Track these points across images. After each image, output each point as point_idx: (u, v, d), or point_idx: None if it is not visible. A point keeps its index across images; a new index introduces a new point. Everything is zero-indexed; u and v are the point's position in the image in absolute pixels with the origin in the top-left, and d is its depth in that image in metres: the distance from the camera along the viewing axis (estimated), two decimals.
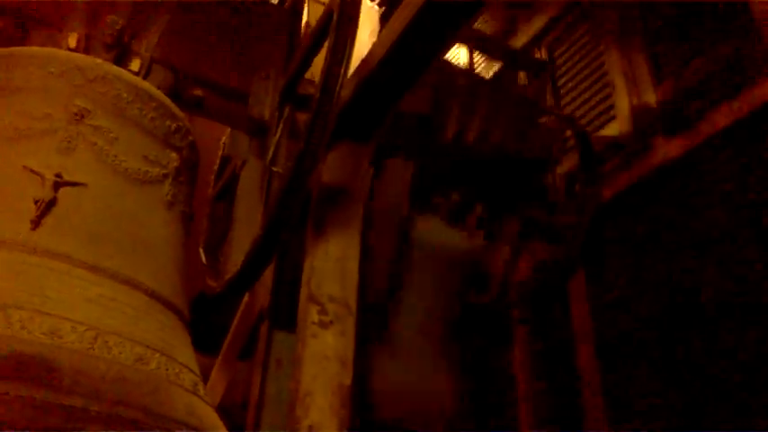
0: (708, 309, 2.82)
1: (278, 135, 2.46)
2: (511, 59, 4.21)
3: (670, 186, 2.94)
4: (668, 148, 2.89)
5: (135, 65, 2.37)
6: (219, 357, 3.29)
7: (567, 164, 3.37)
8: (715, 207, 2.86)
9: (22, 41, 2.30)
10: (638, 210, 3.05)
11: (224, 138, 3.62)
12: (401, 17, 2.22)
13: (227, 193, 3.34)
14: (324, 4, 3.74)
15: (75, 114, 1.89)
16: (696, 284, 2.87)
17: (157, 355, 1.69)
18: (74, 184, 1.79)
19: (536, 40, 4.10)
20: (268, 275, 3.04)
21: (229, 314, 3.59)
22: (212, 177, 3.49)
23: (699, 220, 2.91)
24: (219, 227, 3.36)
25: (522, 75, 4.12)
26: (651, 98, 3.12)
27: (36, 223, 1.68)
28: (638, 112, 3.11)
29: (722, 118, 2.67)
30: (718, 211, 2.85)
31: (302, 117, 2.75)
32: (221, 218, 3.36)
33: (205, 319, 2.81)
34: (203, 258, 3.12)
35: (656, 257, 3.01)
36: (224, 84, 2.72)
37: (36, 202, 1.71)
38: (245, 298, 3.30)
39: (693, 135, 2.80)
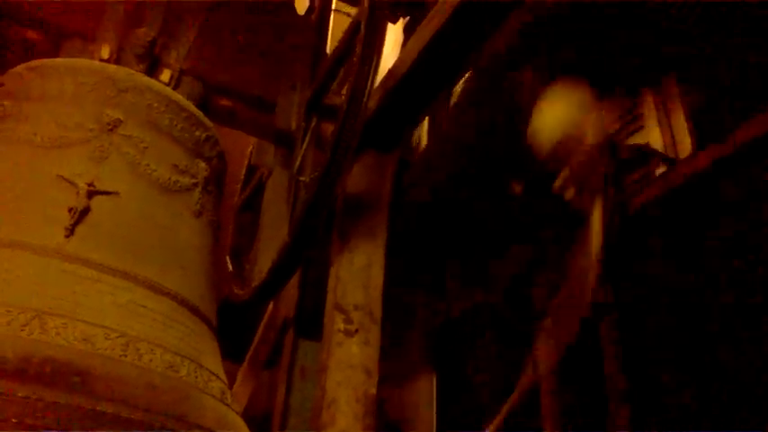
0: (737, 330, 2.78)
1: (305, 145, 2.48)
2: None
3: (697, 198, 2.91)
4: (696, 160, 2.87)
5: (165, 76, 2.41)
6: (244, 365, 3.32)
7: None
8: (742, 221, 2.83)
9: (55, 53, 2.36)
10: (662, 222, 3.02)
11: (250, 147, 3.66)
12: (428, 28, 2.24)
13: (252, 203, 3.37)
14: (348, 15, 3.78)
15: (108, 124, 1.93)
16: (719, 306, 2.83)
17: (187, 362, 1.71)
18: (106, 193, 1.82)
19: None
20: (292, 284, 3.06)
21: (253, 322, 3.62)
22: (238, 187, 3.52)
23: (729, 231, 2.87)
24: (245, 235, 3.39)
25: None
26: (679, 108, 3.10)
27: (70, 231, 1.71)
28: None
29: (753, 129, 2.64)
30: (744, 225, 2.82)
31: (328, 127, 2.78)
32: (247, 226, 3.39)
33: (230, 327, 2.83)
34: (229, 266, 3.15)
35: (685, 269, 2.97)
36: (251, 94, 2.76)
37: (70, 211, 1.74)
38: (270, 306, 3.33)
39: (721, 147, 2.77)
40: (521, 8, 2.20)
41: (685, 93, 3.12)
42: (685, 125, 3.06)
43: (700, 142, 2.95)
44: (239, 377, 3.35)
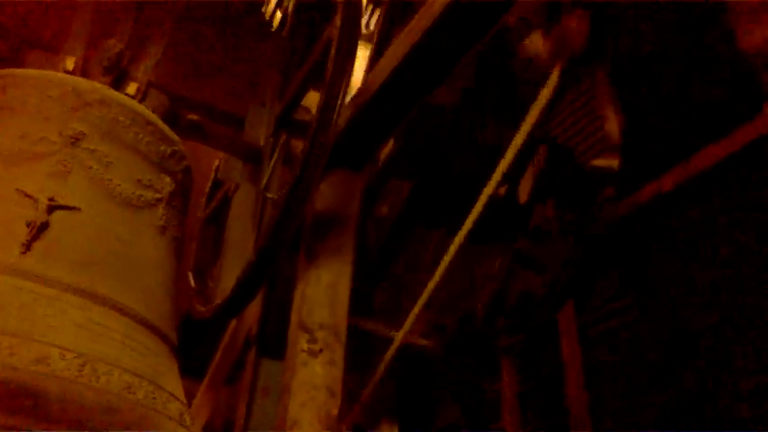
0: (701, 341, 2.83)
1: (273, 162, 2.46)
2: None
3: (662, 219, 2.97)
4: (661, 182, 2.92)
5: (132, 89, 2.37)
6: (204, 382, 3.26)
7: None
8: (706, 240, 2.88)
9: (19, 64, 2.30)
10: (630, 242, 3.07)
11: (216, 162, 3.62)
12: (402, 46, 2.25)
13: (217, 217, 3.33)
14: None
15: (71, 138, 1.89)
16: (688, 318, 2.88)
17: (145, 383, 1.67)
18: (67, 208, 1.78)
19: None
20: (255, 302, 3.02)
21: (214, 338, 3.56)
22: (203, 201, 3.48)
23: (690, 253, 2.93)
24: (208, 250, 3.34)
25: None
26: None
27: (27, 247, 1.67)
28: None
29: (717, 152, 2.71)
30: (708, 244, 2.88)
31: (297, 144, 2.77)
32: (211, 241, 3.34)
33: (190, 343, 2.78)
34: (192, 282, 3.10)
35: (647, 290, 3.02)
36: (219, 109, 2.74)
37: (28, 225, 1.70)
38: (232, 323, 3.28)
39: (686, 168, 2.83)
40: (495, 29, 2.21)
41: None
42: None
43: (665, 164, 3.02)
44: (199, 394, 3.29)
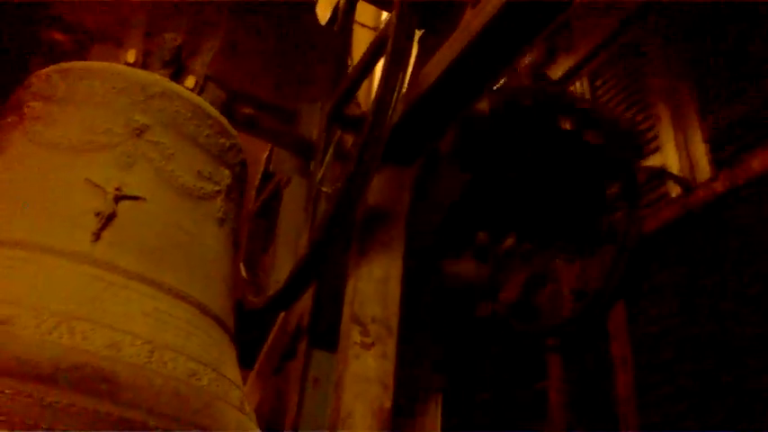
0: (749, 345, 2.78)
1: (328, 156, 2.48)
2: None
3: (713, 221, 2.92)
4: (714, 184, 2.87)
5: (190, 82, 2.41)
6: (254, 371, 3.30)
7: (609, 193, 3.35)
8: (757, 244, 2.83)
9: (83, 56, 2.36)
10: (680, 244, 3.03)
11: (265, 154, 3.67)
12: (457, 41, 2.25)
13: (267, 210, 3.38)
14: (370, 28, 3.80)
15: (136, 129, 1.93)
16: (738, 320, 2.83)
17: (209, 370, 1.70)
18: (133, 198, 1.82)
19: (576, 70, 4.10)
20: (306, 293, 3.06)
21: (262, 329, 3.61)
22: (252, 193, 3.53)
23: (741, 256, 2.87)
24: (258, 242, 3.39)
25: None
26: (696, 132, 3.11)
27: (97, 236, 1.71)
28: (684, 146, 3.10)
29: None
30: (760, 248, 2.82)
31: (348, 138, 2.79)
32: (261, 233, 3.39)
33: (240, 333, 2.83)
34: (243, 273, 3.15)
35: (696, 292, 2.98)
36: (273, 103, 2.76)
37: (97, 215, 1.74)
38: (281, 314, 3.32)
39: (739, 171, 2.78)
40: (550, 26, 2.19)
41: (704, 116, 3.13)
42: (703, 147, 3.07)
43: (717, 165, 2.97)
44: (248, 383, 3.34)
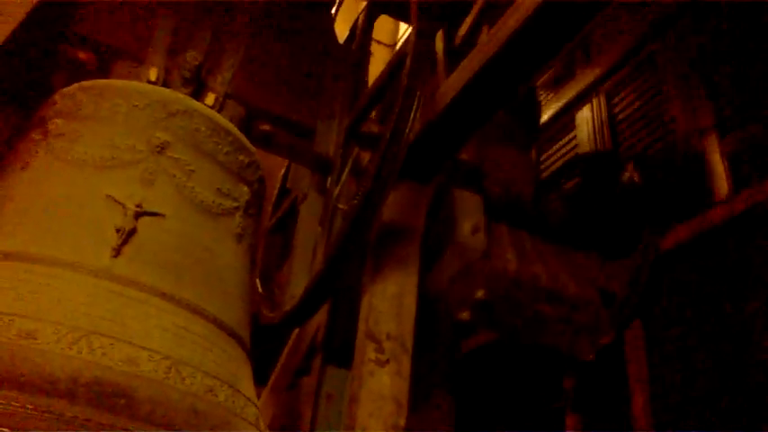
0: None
1: (345, 173, 2.50)
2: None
3: (733, 241, 2.89)
4: (733, 202, 2.85)
5: (210, 99, 2.45)
6: (267, 387, 3.31)
7: None
8: None
9: (105, 74, 2.41)
10: (698, 262, 3.00)
11: (282, 170, 3.70)
12: (474, 60, 2.26)
13: (283, 225, 3.40)
14: (387, 45, 3.82)
15: (157, 147, 1.96)
16: (757, 340, 2.80)
17: (226, 386, 1.72)
18: (153, 215, 1.85)
19: (594, 86, 4.10)
20: (321, 309, 3.07)
21: (275, 344, 3.62)
22: (269, 209, 3.55)
23: (761, 275, 2.84)
24: (274, 258, 3.41)
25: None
26: (716, 149, 3.09)
27: (117, 251, 1.73)
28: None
29: None
30: None
31: (365, 155, 2.80)
32: (277, 249, 3.41)
33: (254, 348, 2.84)
34: (259, 288, 3.16)
35: (714, 311, 2.95)
36: (290, 119, 2.79)
37: (117, 231, 1.77)
38: (296, 330, 3.33)
39: (759, 190, 2.76)
40: (566, 47, 2.20)
41: (722, 133, 3.11)
42: (722, 165, 3.05)
43: (737, 183, 2.94)
44: (262, 398, 3.34)
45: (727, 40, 3.43)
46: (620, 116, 3.83)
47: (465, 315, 2.92)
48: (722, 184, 3.02)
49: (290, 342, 3.33)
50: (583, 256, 3.26)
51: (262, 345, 3.21)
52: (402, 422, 2.22)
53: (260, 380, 3.51)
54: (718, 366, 2.88)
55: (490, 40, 2.21)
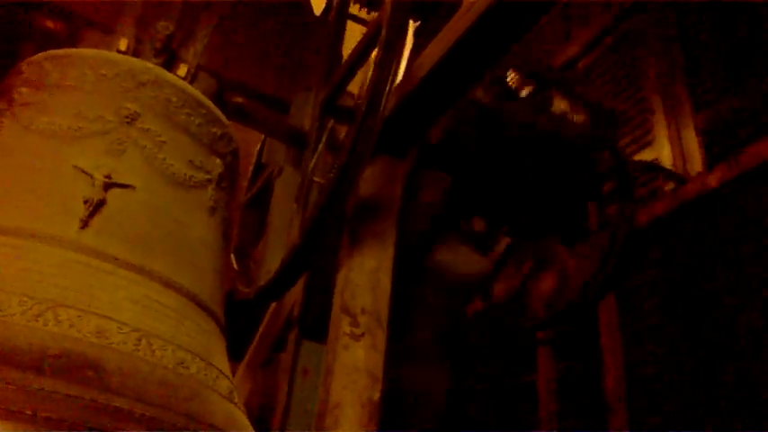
0: (741, 340, 2.79)
1: (320, 146, 2.47)
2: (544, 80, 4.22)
3: (706, 215, 2.92)
4: (706, 178, 2.87)
5: (182, 70, 2.40)
6: (243, 363, 3.30)
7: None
8: (750, 239, 2.83)
9: (73, 44, 2.35)
10: (672, 238, 3.03)
11: (258, 145, 3.65)
12: (452, 31, 2.24)
13: (259, 200, 3.36)
14: (362, 20, 3.78)
15: (126, 117, 1.92)
16: (729, 315, 2.84)
17: (197, 359, 1.70)
18: (122, 186, 1.81)
19: (571, 64, 4.10)
20: (297, 284, 3.05)
21: (250, 320, 3.60)
22: (245, 184, 3.51)
23: (734, 251, 2.88)
24: (250, 233, 3.38)
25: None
26: (690, 125, 3.11)
27: (85, 223, 1.70)
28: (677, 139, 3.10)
29: (763, 150, 2.65)
30: (753, 243, 2.83)
31: (341, 129, 2.77)
32: (252, 224, 3.38)
33: (230, 324, 2.83)
34: (234, 263, 3.14)
35: (688, 286, 2.98)
36: (264, 92, 2.75)
37: (86, 202, 1.73)
38: (272, 305, 3.32)
39: (732, 166, 2.79)
40: (552, 10, 2.17)
41: (697, 110, 3.13)
42: (696, 141, 3.07)
43: (710, 160, 2.97)
44: (238, 374, 3.34)
45: (705, 18, 3.44)
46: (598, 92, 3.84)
47: None
48: (696, 160, 3.04)
49: (266, 318, 3.32)
50: None
51: (238, 321, 3.20)
52: (377, 396, 2.22)
53: (236, 356, 3.51)
54: (691, 340, 2.93)
55: (468, 11, 2.18)
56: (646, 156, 3.28)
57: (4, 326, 1.38)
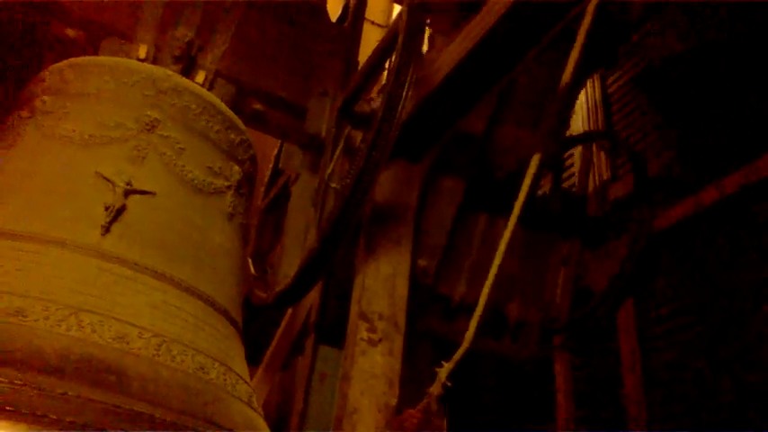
0: (759, 344, 2.76)
1: (338, 152, 2.48)
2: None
3: (726, 220, 2.90)
4: (726, 181, 2.85)
5: (200, 77, 2.42)
6: (261, 367, 3.32)
7: (621, 190, 3.35)
8: None
9: (93, 52, 2.37)
10: (691, 242, 3.01)
11: (275, 151, 3.67)
12: (468, 38, 2.24)
13: (276, 206, 3.38)
14: (379, 25, 3.79)
15: (147, 124, 1.94)
16: (747, 319, 2.82)
17: (217, 364, 1.71)
18: (143, 193, 1.83)
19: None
20: (314, 289, 3.06)
21: (266, 325, 3.62)
22: (262, 189, 3.53)
23: (752, 256, 2.85)
24: (267, 238, 3.40)
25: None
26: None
27: (106, 229, 1.72)
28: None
29: None
30: None
31: (356, 134, 2.78)
32: (270, 229, 3.40)
33: (247, 329, 2.85)
34: (252, 269, 3.15)
35: (706, 291, 2.96)
36: (282, 98, 2.77)
37: (107, 209, 1.75)
38: (289, 311, 3.33)
39: (750, 171, 2.76)
40: (567, 21, 2.17)
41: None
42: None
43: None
44: (256, 378, 3.35)
45: (723, 26, 3.42)
46: (615, 96, 3.82)
47: None
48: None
49: (284, 323, 3.34)
50: None
51: (255, 325, 3.22)
52: (393, 401, 2.23)
53: (254, 361, 3.53)
54: (709, 344, 2.90)
55: (483, 18, 2.19)
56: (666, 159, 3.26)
57: (28, 331, 1.40)
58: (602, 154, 3.63)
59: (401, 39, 2.14)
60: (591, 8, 1.95)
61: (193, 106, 2.06)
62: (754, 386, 2.73)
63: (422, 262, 2.88)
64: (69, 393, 1.32)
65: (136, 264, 1.71)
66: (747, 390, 2.76)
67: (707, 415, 2.85)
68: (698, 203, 2.93)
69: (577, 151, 3.88)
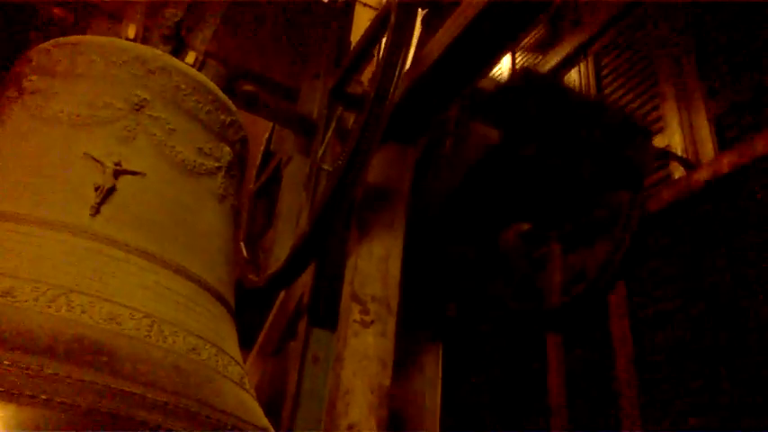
0: (751, 326, 2.78)
1: (329, 134, 2.47)
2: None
3: (717, 202, 2.90)
4: (717, 165, 2.85)
5: (190, 58, 2.40)
6: (254, 350, 3.31)
7: None
8: (762, 225, 2.81)
9: (82, 31, 2.35)
10: (682, 225, 3.01)
11: (267, 133, 3.65)
12: (460, 18, 2.22)
13: (268, 189, 3.37)
14: (371, 6, 3.76)
15: (136, 104, 1.91)
16: (738, 301, 2.83)
17: (208, 345, 1.70)
18: (133, 173, 1.81)
19: (582, 49, 4.06)
20: (306, 272, 3.05)
21: (260, 308, 3.61)
22: (253, 172, 3.52)
23: (745, 237, 2.86)
24: (259, 221, 3.39)
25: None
26: (701, 112, 3.08)
27: (96, 210, 1.70)
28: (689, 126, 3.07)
29: None
30: (764, 229, 2.81)
31: (349, 116, 2.77)
32: (262, 213, 3.38)
33: (240, 312, 2.84)
34: (244, 252, 3.14)
35: (698, 273, 2.97)
36: (273, 80, 2.75)
37: (96, 189, 1.73)
38: (282, 293, 3.32)
39: (744, 152, 2.76)
40: (547, 11, 2.15)
41: (709, 96, 3.10)
42: (708, 128, 3.04)
43: (722, 146, 2.95)
44: (248, 362, 3.35)
45: (716, 5, 3.40)
46: (608, 78, 3.81)
47: None
48: (707, 147, 3.01)
49: (276, 306, 3.33)
50: None
51: (247, 309, 3.21)
52: (387, 382, 2.23)
53: (247, 344, 3.52)
54: (701, 326, 2.91)
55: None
56: (657, 142, 3.25)
57: (17, 312, 1.39)
58: None
59: (393, 18, 2.12)
60: None
61: (183, 86, 2.04)
62: (747, 366, 2.75)
63: None
64: (60, 374, 1.31)
65: (126, 244, 1.70)
66: (739, 370, 2.78)
67: (698, 396, 2.87)
68: (691, 184, 2.94)
69: None
